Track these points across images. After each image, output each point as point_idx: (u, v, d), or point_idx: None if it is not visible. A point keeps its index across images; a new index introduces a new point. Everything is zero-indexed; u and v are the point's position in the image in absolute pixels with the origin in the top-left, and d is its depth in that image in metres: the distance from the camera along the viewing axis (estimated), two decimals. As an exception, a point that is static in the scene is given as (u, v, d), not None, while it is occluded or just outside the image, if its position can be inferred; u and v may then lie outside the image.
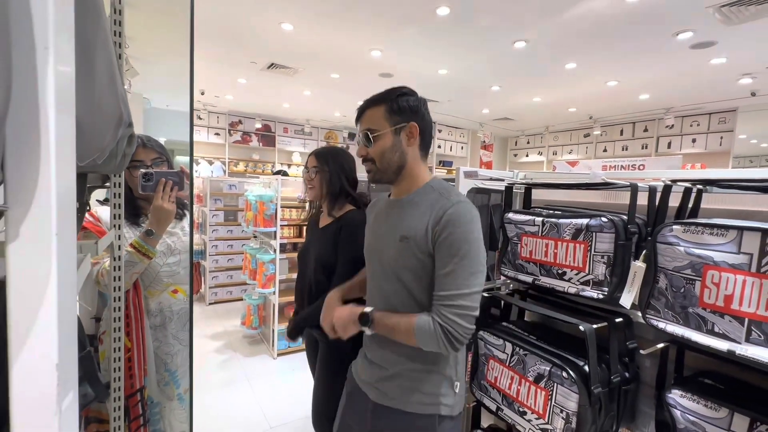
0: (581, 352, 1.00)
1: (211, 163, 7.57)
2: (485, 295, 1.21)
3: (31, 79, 0.24)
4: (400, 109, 0.95)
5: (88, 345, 0.87)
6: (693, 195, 0.89)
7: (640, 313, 0.89)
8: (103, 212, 1.39)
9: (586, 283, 0.99)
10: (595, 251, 0.96)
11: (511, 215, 1.20)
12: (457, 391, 0.98)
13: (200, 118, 7.34)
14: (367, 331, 0.96)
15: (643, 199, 0.95)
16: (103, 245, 0.75)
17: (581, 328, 0.92)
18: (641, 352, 0.84)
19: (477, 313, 0.88)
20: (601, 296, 0.94)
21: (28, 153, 0.24)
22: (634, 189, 0.93)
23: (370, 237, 1.08)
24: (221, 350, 3.34)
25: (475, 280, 0.87)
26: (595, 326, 0.95)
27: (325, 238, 1.47)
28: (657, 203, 0.88)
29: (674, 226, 0.76)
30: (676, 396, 0.81)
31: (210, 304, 4.45)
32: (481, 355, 1.18)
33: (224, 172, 7.56)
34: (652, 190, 0.95)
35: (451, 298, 0.86)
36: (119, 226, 0.93)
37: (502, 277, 1.27)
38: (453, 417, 0.97)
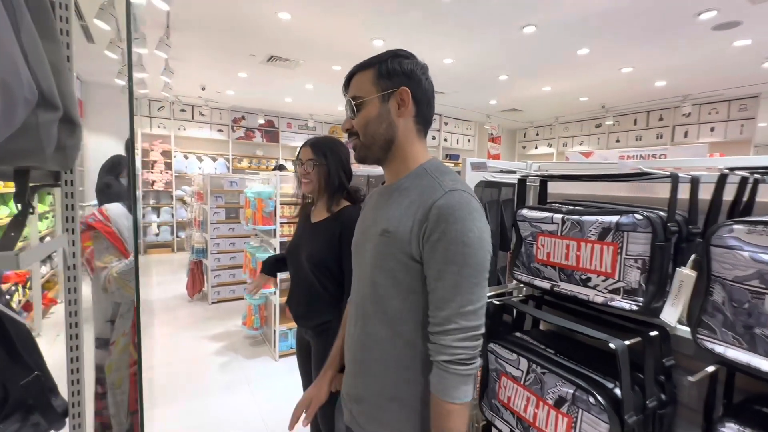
0: (609, 370, 0.86)
1: (214, 159, 7.50)
2: (495, 302, 1.08)
3: None
4: (389, 72, 0.80)
5: (35, 369, 0.76)
6: (749, 186, 0.74)
7: (675, 324, 0.75)
8: (114, 210, 1.28)
9: (615, 291, 0.84)
10: (627, 254, 0.81)
11: (525, 212, 1.06)
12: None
13: (202, 114, 7.26)
14: None
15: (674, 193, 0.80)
16: (37, 255, 0.63)
17: (612, 345, 0.78)
18: (689, 379, 0.69)
19: (483, 329, 0.74)
20: (635, 307, 0.80)
21: None
22: (674, 180, 0.78)
23: (357, 233, 0.93)
24: (222, 352, 3.25)
25: (480, 291, 0.73)
26: (627, 342, 0.81)
27: (319, 235, 1.36)
28: (711, 197, 0.73)
29: (735, 226, 0.61)
30: (731, 431, 0.67)
31: (213, 303, 4.38)
32: (491, 370, 1.05)
33: (228, 168, 7.48)
34: (694, 181, 0.80)
35: (453, 319, 0.71)
36: (72, 230, 0.81)
37: (515, 281, 1.13)
38: None
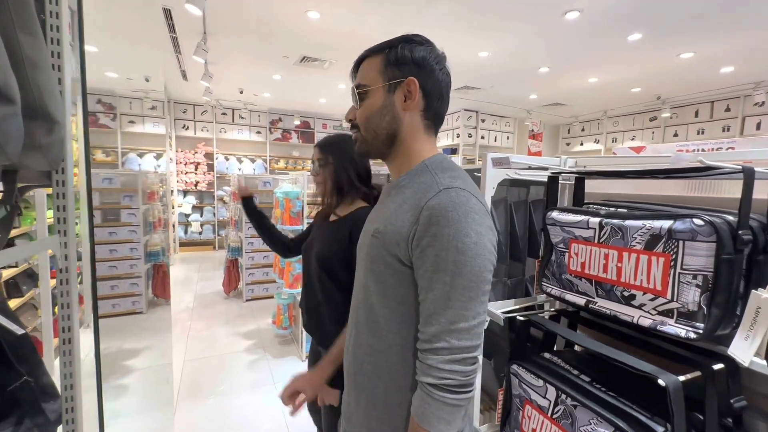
0: (659, 408, 0.71)
1: (253, 161, 7.75)
2: (520, 318, 0.94)
3: None
4: (398, 59, 0.72)
5: (27, 375, 0.74)
6: None
7: (749, 361, 0.59)
8: None
9: (666, 313, 0.69)
10: (682, 268, 0.66)
11: (555, 214, 0.91)
12: None
13: (242, 117, 7.53)
14: None
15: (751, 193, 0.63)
16: (15, 255, 0.59)
17: (661, 382, 0.63)
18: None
19: (479, 351, 0.64)
20: (692, 335, 0.64)
21: None
22: (748, 174, 0.62)
23: (360, 234, 0.85)
24: (251, 350, 3.30)
25: (476, 307, 0.63)
26: (682, 378, 0.65)
27: (328, 234, 1.29)
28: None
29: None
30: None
31: (247, 300, 4.49)
32: (514, 396, 0.91)
33: (266, 170, 7.70)
34: (776, 177, 0.63)
35: (442, 337, 0.62)
36: (65, 231, 0.78)
37: (544, 294, 0.99)
38: None
